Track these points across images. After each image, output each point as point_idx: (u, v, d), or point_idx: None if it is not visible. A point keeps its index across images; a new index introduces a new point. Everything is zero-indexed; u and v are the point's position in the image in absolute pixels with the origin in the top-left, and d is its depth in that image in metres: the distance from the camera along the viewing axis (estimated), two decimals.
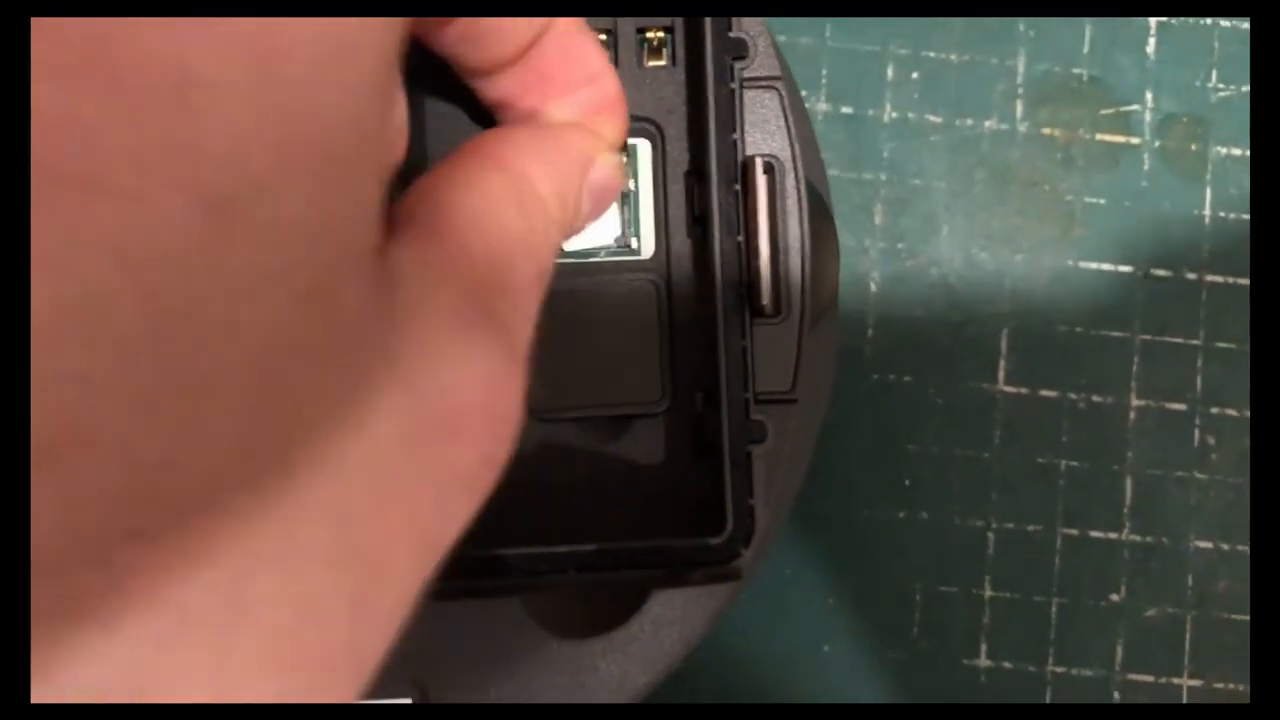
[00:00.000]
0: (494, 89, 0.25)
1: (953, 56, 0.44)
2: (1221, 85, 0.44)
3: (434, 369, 0.18)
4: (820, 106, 0.43)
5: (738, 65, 0.30)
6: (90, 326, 0.13)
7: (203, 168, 0.14)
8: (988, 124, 0.44)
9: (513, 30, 0.24)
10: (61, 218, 0.13)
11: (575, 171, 0.25)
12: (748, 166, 0.30)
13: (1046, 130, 0.44)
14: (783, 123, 0.30)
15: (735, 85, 0.30)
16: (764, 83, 0.30)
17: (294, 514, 0.16)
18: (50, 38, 0.13)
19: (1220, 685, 0.42)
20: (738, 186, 0.30)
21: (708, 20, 0.30)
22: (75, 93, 0.13)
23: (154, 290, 0.13)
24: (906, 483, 0.42)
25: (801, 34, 0.44)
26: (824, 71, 0.44)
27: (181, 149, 0.13)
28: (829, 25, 0.44)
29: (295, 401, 0.16)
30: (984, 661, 0.42)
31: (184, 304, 0.14)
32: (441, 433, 0.18)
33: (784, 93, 0.30)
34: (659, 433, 0.31)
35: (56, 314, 0.13)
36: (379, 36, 0.16)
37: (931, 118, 0.44)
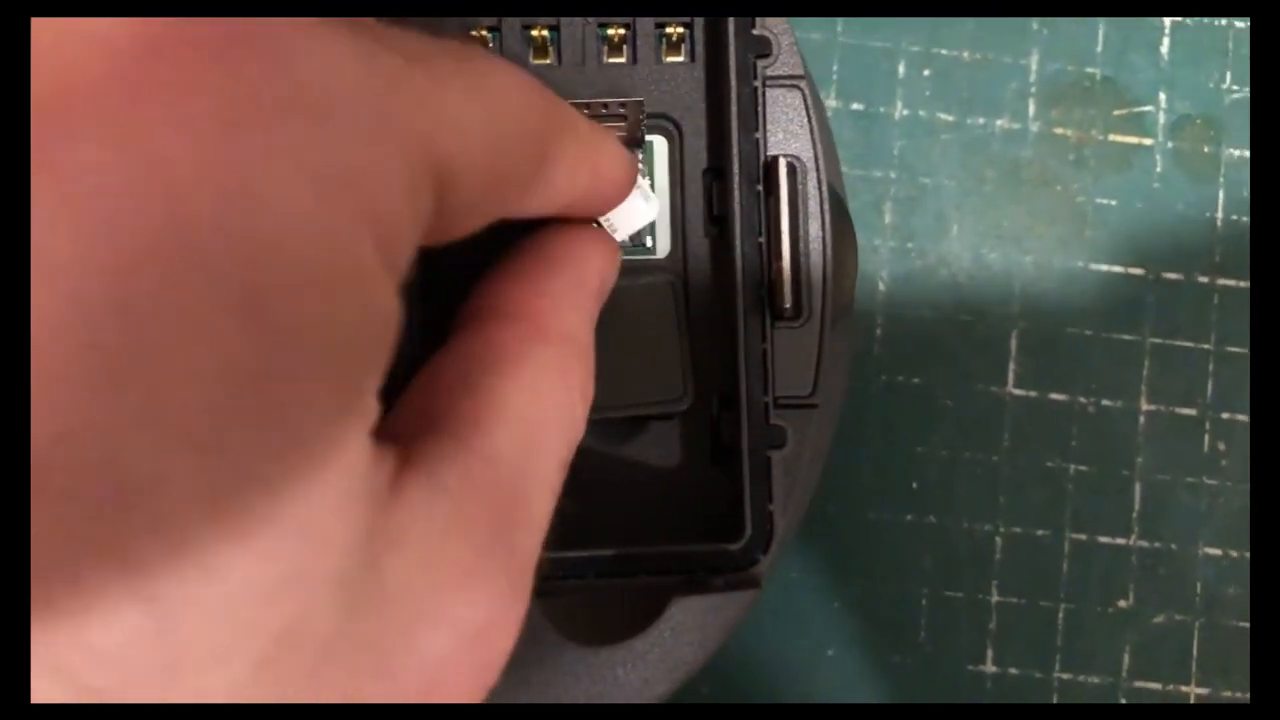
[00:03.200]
0: None
1: (965, 54, 0.43)
2: (1235, 87, 0.44)
3: (421, 642, 0.18)
4: (830, 103, 0.43)
5: (760, 63, 0.29)
6: None
7: (140, 570, 0.14)
8: (999, 123, 0.43)
9: (560, 201, 0.23)
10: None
11: (599, 291, 0.25)
12: (771, 167, 0.29)
13: (1059, 130, 0.43)
14: (805, 122, 0.30)
15: (758, 83, 0.29)
16: (787, 82, 0.30)
17: None
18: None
19: (1228, 693, 0.41)
20: (759, 187, 0.29)
21: (730, 16, 0.29)
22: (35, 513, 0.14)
23: (97, 690, 0.15)
24: (914, 486, 0.42)
25: (813, 30, 0.43)
26: (835, 68, 0.43)
27: (121, 556, 0.14)
28: (840, 21, 0.43)
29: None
30: (990, 667, 0.41)
31: (133, 691, 0.15)
32: (419, 695, 0.18)
33: (806, 92, 0.30)
34: (675, 435, 0.31)
35: None
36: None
37: (943, 116, 0.43)
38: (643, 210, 0.29)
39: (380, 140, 0.17)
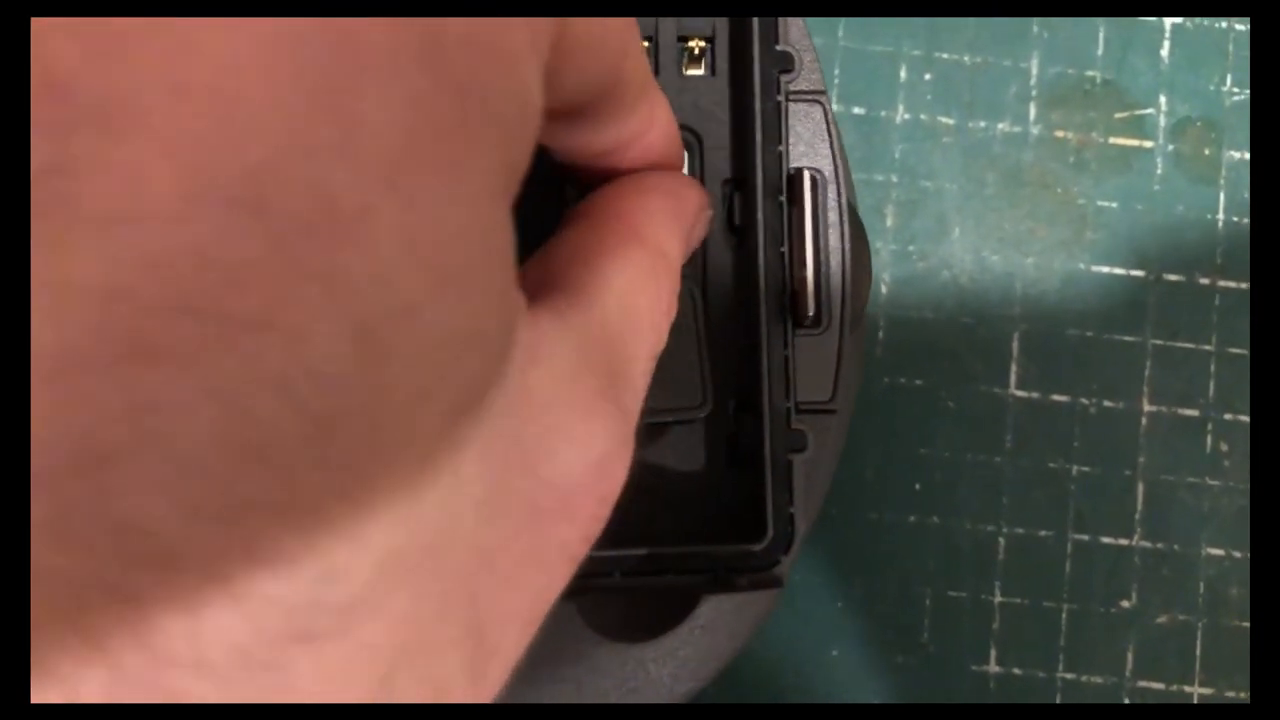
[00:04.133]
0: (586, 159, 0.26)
1: (966, 58, 0.44)
2: (1235, 89, 0.44)
3: (558, 453, 0.19)
4: (832, 107, 0.43)
5: (784, 78, 0.30)
6: (259, 457, 0.14)
7: (353, 296, 0.14)
8: (1000, 126, 0.44)
9: (617, 133, 0.24)
10: (223, 354, 0.13)
11: (691, 233, 0.26)
12: (795, 180, 0.30)
13: (1059, 133, 0.44)
14: (826, 136, 0.30)
15: (781, 98, 0.30)
16: (809, 97, 0.30)
17: (431, 598, 0.17)
18: (199, 173, 0.13)
19: (1231, 693, 0.42)
20: (783, 198, 0.29)
21: (755, 31, 0.29)
22: (230, 231, 0.13)
23: (315, 415, 0.14)
24: (917, 487, 0.42)
25: (814, 34, 0.43)
26: (836, 72, 0.43)
27: (333, 280, 0.14)
28: (841, 25, 0.43)
29: (435, 497, 0.16)
30: (993, 667, 0.42)
31: (342, 425, 0.14)
32: (557, 514, 0.19)
33: (827, 107, 0.30)
34: (696, 439, 0.31)
35: (225, 448, 0.13)
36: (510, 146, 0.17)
37: (944, 119, 0.44)
38: None
39: None
